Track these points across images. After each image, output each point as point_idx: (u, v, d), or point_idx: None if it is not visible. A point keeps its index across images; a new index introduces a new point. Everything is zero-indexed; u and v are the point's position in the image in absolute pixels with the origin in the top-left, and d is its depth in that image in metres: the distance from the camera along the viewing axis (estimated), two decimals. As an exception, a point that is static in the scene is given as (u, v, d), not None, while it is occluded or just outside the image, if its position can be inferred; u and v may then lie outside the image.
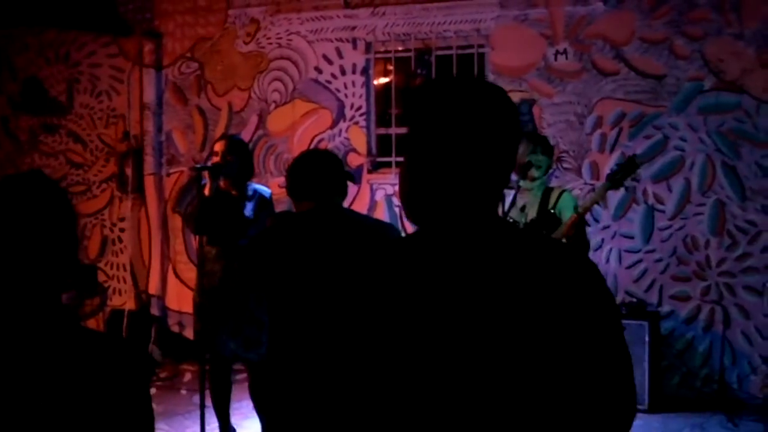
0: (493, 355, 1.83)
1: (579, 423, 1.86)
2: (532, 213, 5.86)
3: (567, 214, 5.74)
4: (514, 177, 5.80)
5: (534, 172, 5.84)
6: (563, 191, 5.96)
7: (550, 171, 6.11)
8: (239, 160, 6.19)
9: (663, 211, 7.53)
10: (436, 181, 1.90)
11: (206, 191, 6.10)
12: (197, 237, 6.18)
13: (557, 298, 1.84)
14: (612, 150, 7.65)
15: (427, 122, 1.92)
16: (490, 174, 1.90)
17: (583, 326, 1.85)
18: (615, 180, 5.72)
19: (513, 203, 5.94)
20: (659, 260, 7.53)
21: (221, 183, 6.20)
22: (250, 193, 6.25)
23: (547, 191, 5.93)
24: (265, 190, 6.38)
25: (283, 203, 6.98)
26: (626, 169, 5.70)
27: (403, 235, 8.22)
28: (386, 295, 1.93)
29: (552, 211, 5.81)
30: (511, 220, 5.87)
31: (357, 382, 2.04)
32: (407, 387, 1.88)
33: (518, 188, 5.89)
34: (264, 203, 6.23)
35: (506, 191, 5.69)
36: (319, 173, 4.19)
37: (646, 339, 6.98)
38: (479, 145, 1.88)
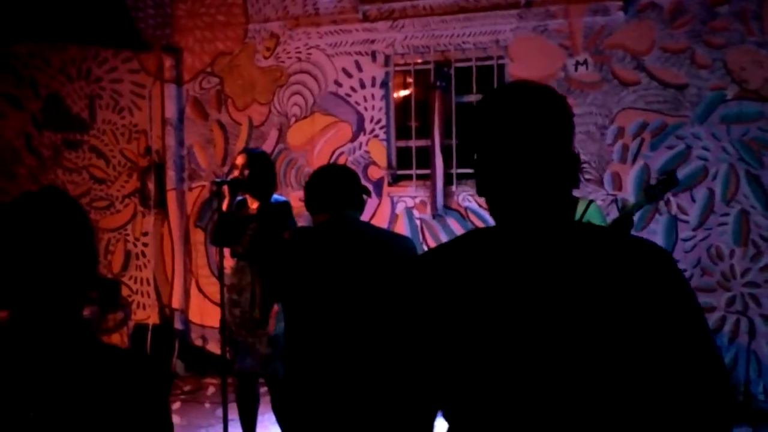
0: (578, 350, 1.88)
1: (676, 417, 1.92)
2: None
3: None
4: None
5: None
6: (590, 202, 5.92)
7: None
8: (259, 173, 6.20)
9: (687, 222, 7.48)
10: (506, 180, 1.96)
11: (224, 206, 6.12)
12: (217, 250, 6.21)
13: (635, 289, 1.89)
14: (634, 161, 7.61)
15: (494, 125, 1.99)
16: (555, 170, 1.97)
17: (665, 318, 1.90)
18: (653, 194, 5.68)
19: None
20: (683, 271, 7.46)
21: (247, 197, 6.23)
22: (272, 205, 6.26)
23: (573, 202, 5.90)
24: (279, 198, 6.38)
25: (303, 217, 6.98)
26: (666, 184, 5.64)
27: (425, 248, 8.22)
28: (464, 290, 1.98)
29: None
30: None
31: (419, 380, 2.04)
32: (490, 382, 1.93)
33: None
34: (278, 213, 6.19)
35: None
36: (334, 187, 4.25)
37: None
38: (541, 143, 1.95)
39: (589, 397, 1.89)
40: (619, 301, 1.88)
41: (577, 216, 5.80)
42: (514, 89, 2.06)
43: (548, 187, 1.97)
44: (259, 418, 6.61)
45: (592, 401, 1.89)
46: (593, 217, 5.81)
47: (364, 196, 4.36)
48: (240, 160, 6.29)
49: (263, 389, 6.59)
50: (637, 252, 1.97)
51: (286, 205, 6.29)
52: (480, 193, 2.05)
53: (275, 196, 6.37)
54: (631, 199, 7.52)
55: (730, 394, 1.97)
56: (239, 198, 6.24)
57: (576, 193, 6.23)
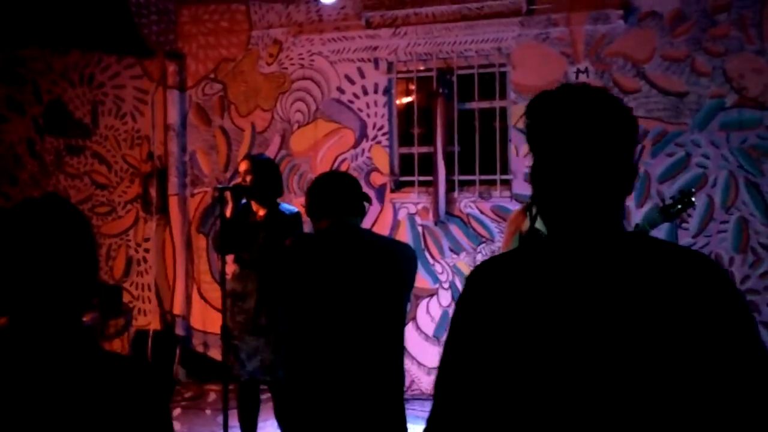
0: (630, 366, 1.85)
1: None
2: None
3: None
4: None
5: None
6: None
7: None
8: (263, 179, 6.21)
9: (686, 229, 7.51)
10: (559, 187, 1.94)
11: (227, 212, 6.13)
12: (220, 257, 6.20)
13: (690, 304, 1.86)
14: (634, 168, 7.62)
15: (554, 129, 1.96)
16: (613, 180, 1.94)
17: (720, 333, 1.86)
18: (669, 213, 5.68)
19: (536, 218, 5.92)
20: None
21: (252, 203, 6.24)
22: (278, 212, 6.26)
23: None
24: (291, 208, 6.37)
25: (306, 223, 7.00)
26: (684, 204, 5.65)
27: (427, 255, 8.25)
28: (515, 304, 1.97)
29: None
30: (541, 234, 5.87)
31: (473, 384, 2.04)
32: (538, 397, 1.91)
33: None
34: (288, 222, 6.22)
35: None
36: (335, 194, 4.25)
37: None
38: (601, 151, 1.92)
39: (639, 414, 1.86)
40: (673, 316, 1.85)
41: None
42: (580, 93, 2.01)
43: (606, 198, 1.94)
44: (261, 424, 6.62)
45: (642, 417, 1.86)
46: None
47: (365, 203, 4.36)
48: (243, 167, 6.29)
49: (265, 396, 6.61)
50: (693, 266, 1.92)
51: (297, 217, 6.29)
52: (534, 201, 2.04)
53: (288, 207, 6.38)
54: (632, 205, 7.56)
55: None
56: (242, 203, 6.24)
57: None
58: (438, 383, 2.11)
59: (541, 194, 1.99)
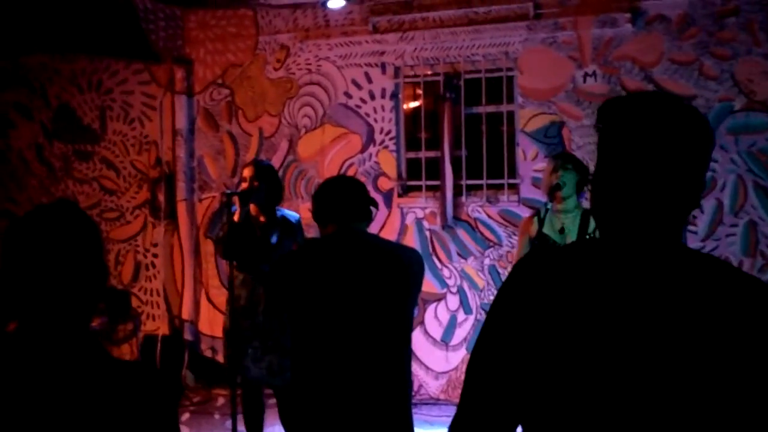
0: (668, 381, 1.81)
1: None
2: (571, 237, 5.85)
3: None
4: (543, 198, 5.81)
5: (563, 192, 5.85)
6: None
7: (583, 192, 6.04)
8: (267, 185, 6.22)
9: (695, 233, 7.49)
10: (623, 194, 1.90)
11: (236, 217, 6.14)
12: (228, 262, 6.21)
13: (739, 330, 1.80)
14: (642, 171, 7.61)
15: (622, 134, 1.92)
16: (681, 191, 1.89)
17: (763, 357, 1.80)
18: None
19: (543, 223, 5.93)
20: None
21: (251, 208, 6.24)
22: (278, 218, 6.28)
23: (586, 214, 5.91)
24: (292, 215, 6.39)
25: (313, 228, 7.01)
26: None
27: (434, 259, 8.25)
28: (559, 306, 1.92)
29: (591, 236, 5.78)
30: (551, 242, 5.87)
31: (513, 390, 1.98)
32: (575, 403, 1.87)
33: (546, 210, 5.89)
34: (290, 229, 6.24)
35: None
36: (341, 199, 4.24)
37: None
38: (670, 160, 1.88)
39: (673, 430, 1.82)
40: (718, 339, 1.79)
41: (590, 229, 5.82)
42: (656, 100, 1.97)
43: (670, 209, 1.90)
44: (268, 429, 6.62)
45: None
46: None
47: (372, 208, 4.35)
48: (248, 172, 6.30)
49: (271, 401, 6.61)
50: (746, 290, 1.85)
51: (298, 223, 6.33)
52: (593, 209, 1.99)
53: (290, 213, 6.39)
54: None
55: None
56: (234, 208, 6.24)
57: (585, 204, 6.19)
58: (469, 378, 2.04)
59: (603, 198, 1.95)
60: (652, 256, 1.90)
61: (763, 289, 1.87)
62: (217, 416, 8.23)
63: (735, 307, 1.82)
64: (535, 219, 6.04)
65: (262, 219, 6.25)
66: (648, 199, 1.88)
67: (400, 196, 8.59)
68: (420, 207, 8.47)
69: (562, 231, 5.88)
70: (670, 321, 1.83)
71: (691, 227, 7.47)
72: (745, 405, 1.79)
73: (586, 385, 1.85)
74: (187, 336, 9.41)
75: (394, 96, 8.59)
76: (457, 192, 8.27)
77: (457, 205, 8.27)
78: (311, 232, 7.09)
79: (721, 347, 1.79)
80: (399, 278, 4.13)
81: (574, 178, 5.88)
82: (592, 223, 5.82)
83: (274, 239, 6.17)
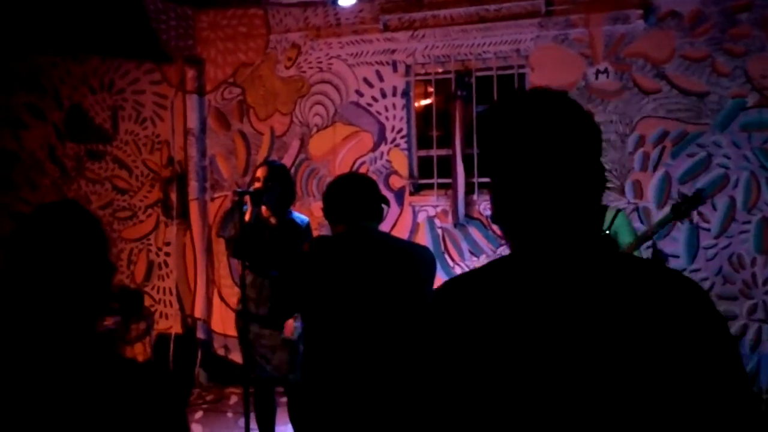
0: (604, 391, 1.74)
1: None
2: None
3: (622, 235, 5.74)
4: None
5: None
6: (618, 211, 5.92)
7: None
8: (280, 185, 6.22)
9: (708, 230, 7.47)
10: (523, 201, 1.83)
11: (247, 216, 6.14)
12: (239, 261, 6.21)
13: (669, 328, 1.75)
14: (655, 169, 7.60)
15: (507, 140, 1.86)
16: (576, 189, 1.83)
17: (697, 353, 1.75)
18: (680, 211, 5.67)
19: None
20: (705, 279, 7.46)
21: (262, 209, 6.23)
22: (287, 220, 6.28)
23: (601, 210, 5.87)
24: (302, 218, 6.39)
25: (325, 227, 7.01)
26: (692, 202, 5.65)
27: (446, 257, 8.24)
28: (483, 328, 1.83)
29: (607, 232, 5.78)
30: None
31: (432, 409, 1.90)
32: (508, 419, 1.79)
33: None
34: (298, 232, 6.24)
35: None
36: (352, 197, 4.23)
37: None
38: (561, 159, 1.81)
39: None
40: (650, 340, 1.74)
41: (606, 225, 5.81)
42: (534, 98, 1.91)
43: (575, 210, 1.83)
44: (281, 428, 6.63)
45: None
46: (621, 226, 5.81)
47: (383, 206, 4.34)
48: (261, 172, 6.30)
49: (283, 399, 6.62)
50: (671, 287, 1.81)
51: (308, 227, 6.33)
52: (495, 220, 1.91)
53: (300, 216, 6.40)
54: (652, 206, 7.53)
55: None
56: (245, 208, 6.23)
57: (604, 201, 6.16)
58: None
59: (505, 211, 1.87)
60: (567, 262, 1.83)
61: (683, 283, 1.84)
62: (230, 414, 8.23)
63: (656, 303, 1.78)
64: None
65: (272, 221, 6.25)
66: (548, 204, 1.81)
67: (411, 194, 8.58)
68: (432, 205, 8.47)
69: None
70: (596, 324, 1.76)
71: (703, 224, 7.45)
72: (680, 400, 1.75)
73: (514, 410, 1.78)
74: (200, 335, 9.43)
75: (406, 94, 8.58)
76: (469, 190, 8.25)
77: (468, 203, 8.26)
78: (324, 231, 7.09)
79: (646, 341, 1.74)
80: (411, 276, 4.12)
81: None
82: (607, 218, 5.83)
83: (281, 243, 6.16)
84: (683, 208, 5.65)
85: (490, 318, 1.83)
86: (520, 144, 1.83)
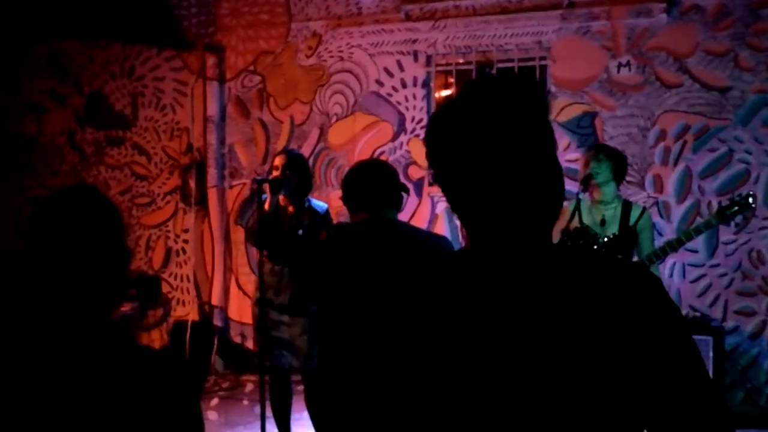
0: (555, 391, 1.68)
1: None
2: (613, 228, 5.85)
3: (644, 234, 5.74)
4: (574, 190, 5.78)
5: (598, 180, 5.82)
6: (644, 210, 5.91)
7: (621, 182, 6.01)
8: (298, 174, 6.22)
9: (727, 225, 7.42)
10: (480, 195, 1.73)
11: (266, 205, 6.13)
12: (258, 250, 6.20)
13: (619, 317, 1.69)
14: (675, 163, 7.57)
15: (464, 127, 1.75)
16: (539, 180, 1.73)
17: (651, 347, 1.69)
18: (726, 215, 5.63)
19: (580, 215, 5.90)
20: (724, 275, 7.43)
21: (280, 198, 6.23)
22: (305, 208, 6.27)
23: (626, 206, 5.91)
24: (321, 205, 6.37)
25: (344, 216, 7.00)
26: (741, 207, 5.60)
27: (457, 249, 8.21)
28: (434, 316, 1.80)
29: (633, 227, 5.78)
30: (592, 233, 5.86)
31: (399, 399, 1.89)
32: (457, 413, 1.75)
33: (578, 201, 5.82)
34: (318, 218, 6.23)
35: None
36: (372, 184, 4.20)
37: (710, 355, 6.85)
38: (524, 146, 1.72)
39: None
40: (603, 335, 1.68)
41: (632, 221, 5.80)
42: (485, 84, 1.80)
43: (529, 203, 1.73)
44: (297, 416, 6.63)
45: None
46: (644, 228, 5.80)
47: (403, 194, 4.31)
48: (280, 161, 6.28)
49: (299, 387, 6.61)
50: (623, 279, 1.75)
51: (327, 214, 6.32)
52: (454, 209, 1.83)
53: (318, 203, 6.38)
54: (672, 201, 7.50)
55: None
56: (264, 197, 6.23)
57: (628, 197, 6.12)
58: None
59: (462, 206, 1.79)
60: (522, 257, 1.76)
61: (635, 274, 1.78)
62: (245, 402, 8.25)
63: (605, 293, 1.72)
64: (576, 211, 5.97)
65: (290, 209, 6.24)
66: (504, 194, 1.71)
67: (430, 185, 8.57)
68: (450, 196, 8.43)
69: (603, 223, 5.87)
70: (545, 326, 1.70)
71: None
72: (631, 391, 1.69)
73: (465, 411, 1.73)
74: (217, 322, 9.45)
75: (426, 85, 8.57)
76: (488, 181, 8.21)
77: (487, 195, 8.22)
78: (343, 219, 7.08)
79: (598, 335, 1.68)
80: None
81: (608, 168, 5.83)
82: (634, 214, 5.81)
83: (300, 231, 6.16)
84: (730, 212, 5.60)
85: (440, 312, 1.79)
86: (472, 132, 1.74)
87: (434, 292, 1.83)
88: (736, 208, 5.58)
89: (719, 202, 6.26)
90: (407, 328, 1.86)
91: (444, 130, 1.81)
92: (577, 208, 5.84)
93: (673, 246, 5.69)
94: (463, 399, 1.73)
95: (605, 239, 5.80)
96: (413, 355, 1.82)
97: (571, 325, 1.70)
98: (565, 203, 6.02)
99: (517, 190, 1.71)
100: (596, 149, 5.99)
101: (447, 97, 1.83)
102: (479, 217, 1.77)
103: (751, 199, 5.62)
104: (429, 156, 1.86)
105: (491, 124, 1.72)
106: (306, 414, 6.46)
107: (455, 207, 1.82)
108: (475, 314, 1.75)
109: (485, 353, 1.73)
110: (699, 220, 7.42)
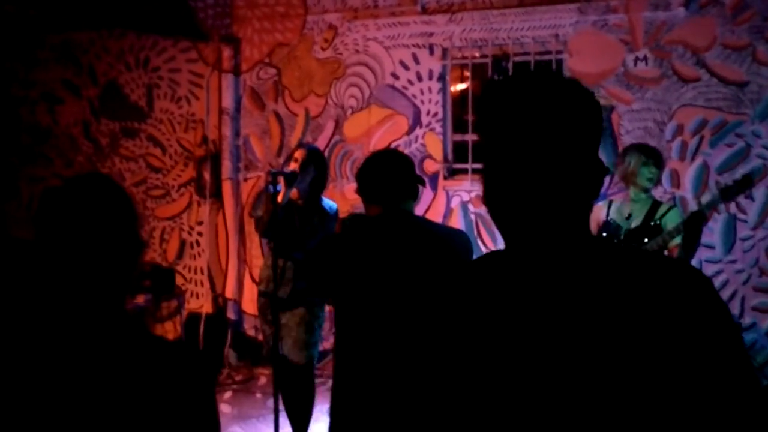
0: (597, 391, 1.66)
1: None
2: (636, 222, 5.98)
3: (669, 228, 5.81)
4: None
5: (645, 184, 6.01)
6: (672, 206, 6.03)
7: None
8: (316, 170, 6.22)
9: (745, 221, 7.38)
10: (517, 191, 1.71)
11: (280, 198, 6.12)
12: (266, 240, 6.24)
13: (667, 317, 1.66)
14: (693, 158, 7.52)
15: (501, 125, 1.74)
16: (574, 179, 1.71)
17: (698, 347, 1.65)
18: (728, 194, 5.73)
19: (609, 209, 6.05)
20: (741, 271, 7.39)
21: (292, 192, 6.21)
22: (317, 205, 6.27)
23: (655, 204, 6.06)
24: (331, 205, 6.37)
25: (359, 210, 6.98)
26: (741, 185, 5.71)
27: (480, 243, 8.20)
28: (471, 317, 1.79)
29: (656, 222, 5.86)
30: (613, 224, 5.95)
31: (426, 396, 1.89)
32: (496, 415, 1.73)
33: (610, 202, 6.05)
34: (326, 217, 6.23)
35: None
36: (388, 176, 4.15)
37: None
38: (559, 147, 1.70)
39: None
40: (649, 335, 1.65)
41: (657, 216, 5.89)
42: (532, 79, 1.78)
43: (568, 201, 1.72)
44: (318, 407, 6.60)
45: None
46: (671, 221, 5.86)
47: (419, 186, 4.27)
48: (300, 154, 6.28)
49: (317, 380, 6.60)
50: (672, 278, 1.70)
51: (335, 214, 6.33)
52: (486, 203, 1.81)
53: (329, 202, 6.38)
54: (689, 196, 7.46)
55: None
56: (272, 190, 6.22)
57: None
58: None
59: (495, 198, 1.77)
60: (560, 254, 1.74)
61: (684, 274, 1.73)
62: (258, 395, 8.26)
63: (652, 292, 1.68)
64: (608, 206, 6.15)
65: (300, 203, 6.23)
66: (543, 195, 1.69)
67: (445, 178, 8.54)
68: (466, 190, 8.42)
69: (628, 217, 5.98)
70: (591, 319, 1.68)
71: (740, 216, 7.37)
72: (678, 391, 1.66)
73: (504, 410, 1.72)
74: (231, 315, 9.45)
75: (442, 78, 8.53)
76: (504, 176, 8.19)
77: (503, 189, 8.19)
78: (359, 211, 7.06)
79: (644, 334, 1.65)
80: (448, 261, 4.06)
81: (658, 173, 6.10)
82: (661, 210, 5.91)
83: (308, 228, 6.17)
84: (731, 191, 5.71)
85: (479, 314, 1.78)
86: (513, 126, 1.72)
87: (472, 292, 1.82)
88: (736, 188, 5.71)
89: (724, 184, 6.25)
90: (442, 325, 1.84)
91: (494, 107, 1.78)
92: (608, 206, 6.05)
93: (678, 230, 5.70)
94: (503, 400, 1.72)
95: (626, 231, 5.90)
96: (450, 355, 1.81)
97: (616, 325, 1.67)
98: (600, 203, 6.11)
99: (549, 186, 1.70)
100: (647, 154, 6.06)
101: (507, 77, 1.81)
102: (511, 211, 1.75)
103: (752, 181, 5.85)
104: (477, 126, 1.84)
105: (537, 112, 1.71)
106: (319, 407, 6.45)
107: (489, 200, 1.80)
108: (515, 314, 1.74)
109: (524, 354, 1.71)
110: (716, 216, 7.38)
